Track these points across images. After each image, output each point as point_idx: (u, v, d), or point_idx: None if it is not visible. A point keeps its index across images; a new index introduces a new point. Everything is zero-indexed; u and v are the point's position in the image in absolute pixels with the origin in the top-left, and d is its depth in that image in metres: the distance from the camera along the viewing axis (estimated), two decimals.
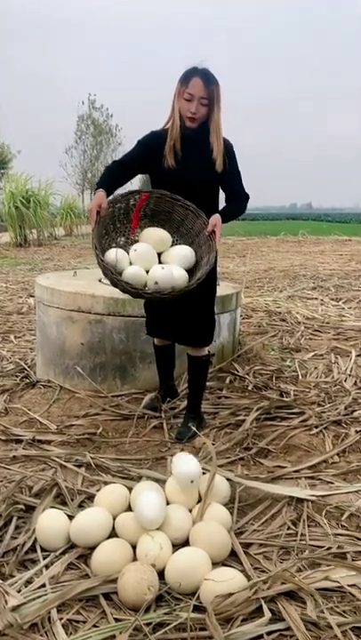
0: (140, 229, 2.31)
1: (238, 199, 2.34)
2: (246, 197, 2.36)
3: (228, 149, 2.26)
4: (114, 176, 2.24)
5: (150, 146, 2.25)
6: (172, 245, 2.31)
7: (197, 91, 2.13)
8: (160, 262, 2.21)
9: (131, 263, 2.18)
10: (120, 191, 2.27)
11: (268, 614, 1.38)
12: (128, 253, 2.21)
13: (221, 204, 2.37)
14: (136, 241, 2.29)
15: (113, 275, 2.05)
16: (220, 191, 2.36)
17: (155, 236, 2.26)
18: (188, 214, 2.24)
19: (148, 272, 2.14)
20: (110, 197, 2.17)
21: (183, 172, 2.23)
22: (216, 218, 2.18)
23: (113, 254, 2.12)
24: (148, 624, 1.35)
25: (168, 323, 2.46)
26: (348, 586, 1.51)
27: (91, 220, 2.11)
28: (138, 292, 2.06)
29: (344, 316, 5.22)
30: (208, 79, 2.13)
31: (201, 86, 2.13)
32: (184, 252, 2.23)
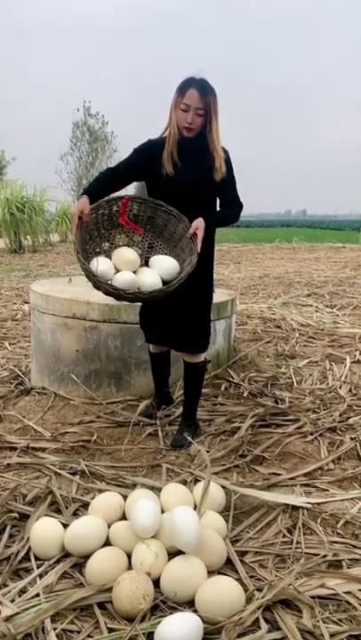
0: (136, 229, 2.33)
1: (231, 207, 2.36)
2: (239, 206, 2.37)
3: (225, 157, 2.27)
4: (104, 183, 2.25)
5: (148, 153, 2.27)
6: (152, 249, 2.34)
7: (193, 101, 2.15)
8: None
9: (116, 270, 2.21)
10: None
11: (264, 626, 1.37)
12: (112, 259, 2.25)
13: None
14: (120, 246, 2.31)
15: (95, 277, 2.07)
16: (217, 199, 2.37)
17: (125, 257, 2.24)
18: (170, 219, 2.25)
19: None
20: (94, 204, 2.18)
21: (181, 180, 2.24)
22: (198, 221, 2.19)
23: (95, 264, 2.13)
24: (142, 634, 1.34)
25: (164, 329, 2.46)
26: (344, 593, 1.51)
27: (73, 225, 2.13)
28: (119, 293, 2.08)
29: (338, 322, 5.24)
30: (204, 90, 2.15)
31: (197, 97, 2.14)
32: (167, 265, 2.22)
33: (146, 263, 2.29)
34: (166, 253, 2.31)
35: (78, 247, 2.09)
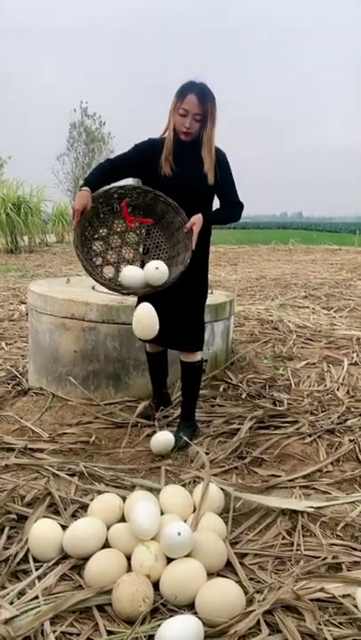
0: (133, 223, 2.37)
1: (231, 206, 2.37)
2: (239, 205, 2.38)
3: (220, 159, 2.28)
4: (103, 174, 2.25)
5: (147, 151, 2.28)
6: (149, 236, 2.39)
7: (192, 107, 2.16)
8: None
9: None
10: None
11: (265, 628, 1.36)
12: (110, 244, 2.34)
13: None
14: (118, 232, 2.35)
15: (93, 273, 2.18)
16: (216, 199, 2.38)
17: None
18: (168, 210, 2.28)
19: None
20: (94, 194, 2.18)
21: (176, 181, 2.25)
22: (197, 217, 2.21)
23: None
24: (142, 637, 1.33)
25: (160, 327, 2.45)
26: (344, 596, 1.50)
27: (75, 219, 2.15)
28: (115, 287, 2.22)
29: (335, 324, 5.24)
30: (204, 96, 2.16)
31: (195, 103, 2.15)
32: (152, 270, 2.24)
33: (142, 251, 2.39)
34: (163, 241, 2.37)
35: (78, 243, 2.16)
